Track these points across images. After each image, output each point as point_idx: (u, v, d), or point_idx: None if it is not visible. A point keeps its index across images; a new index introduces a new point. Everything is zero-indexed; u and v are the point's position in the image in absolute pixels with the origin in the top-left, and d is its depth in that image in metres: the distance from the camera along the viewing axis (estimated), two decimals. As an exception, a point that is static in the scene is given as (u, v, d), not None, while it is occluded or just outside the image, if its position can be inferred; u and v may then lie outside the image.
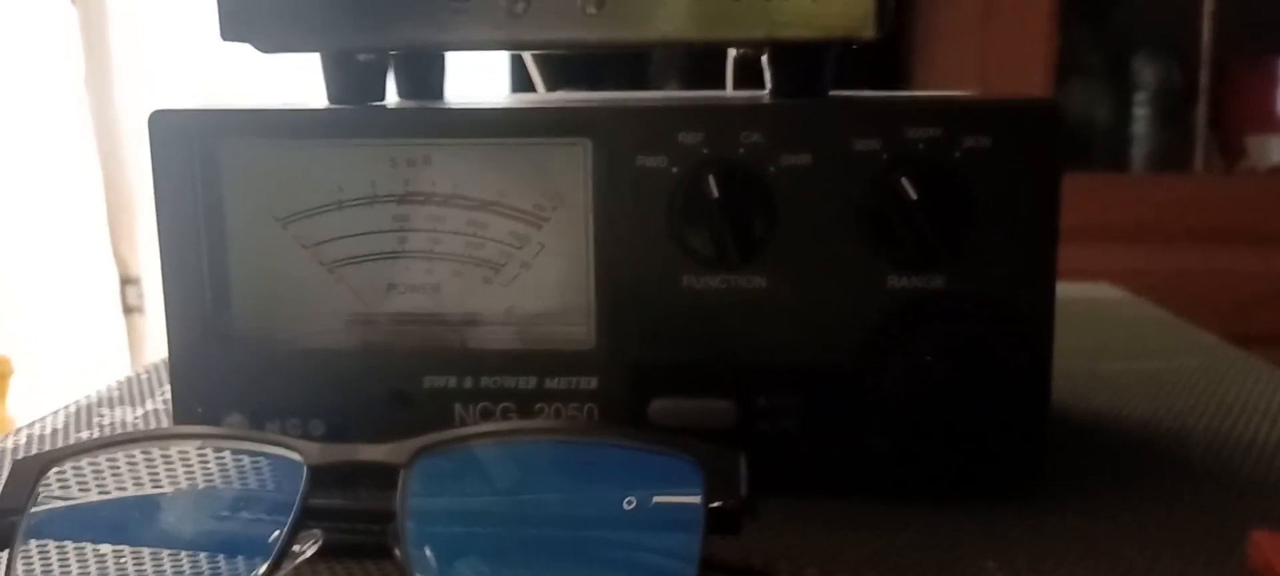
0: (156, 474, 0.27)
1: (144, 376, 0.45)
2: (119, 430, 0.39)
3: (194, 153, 0.33)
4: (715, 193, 0.31)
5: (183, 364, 0.33)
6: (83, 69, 1.51)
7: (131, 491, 0.26)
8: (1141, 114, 1.28)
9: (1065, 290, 0.65)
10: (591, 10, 0.31)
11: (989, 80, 1.21)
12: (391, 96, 0.39)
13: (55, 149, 1.49)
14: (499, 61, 1.12)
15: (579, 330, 0.33)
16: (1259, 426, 0.39)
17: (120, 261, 1.58)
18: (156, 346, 1.53)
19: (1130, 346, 0.51)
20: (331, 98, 0.34)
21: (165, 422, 0.39)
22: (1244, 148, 1.28)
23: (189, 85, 1.40)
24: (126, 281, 1.57)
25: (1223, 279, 1.21)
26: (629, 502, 0.26)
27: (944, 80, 1.22)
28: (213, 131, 0.33)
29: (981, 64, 1.21)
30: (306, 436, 0.33)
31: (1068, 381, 0.45)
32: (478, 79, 1.14)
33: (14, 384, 1.38)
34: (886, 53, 1.25)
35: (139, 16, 1.52)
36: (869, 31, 0.30)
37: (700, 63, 0.37)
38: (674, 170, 0.31)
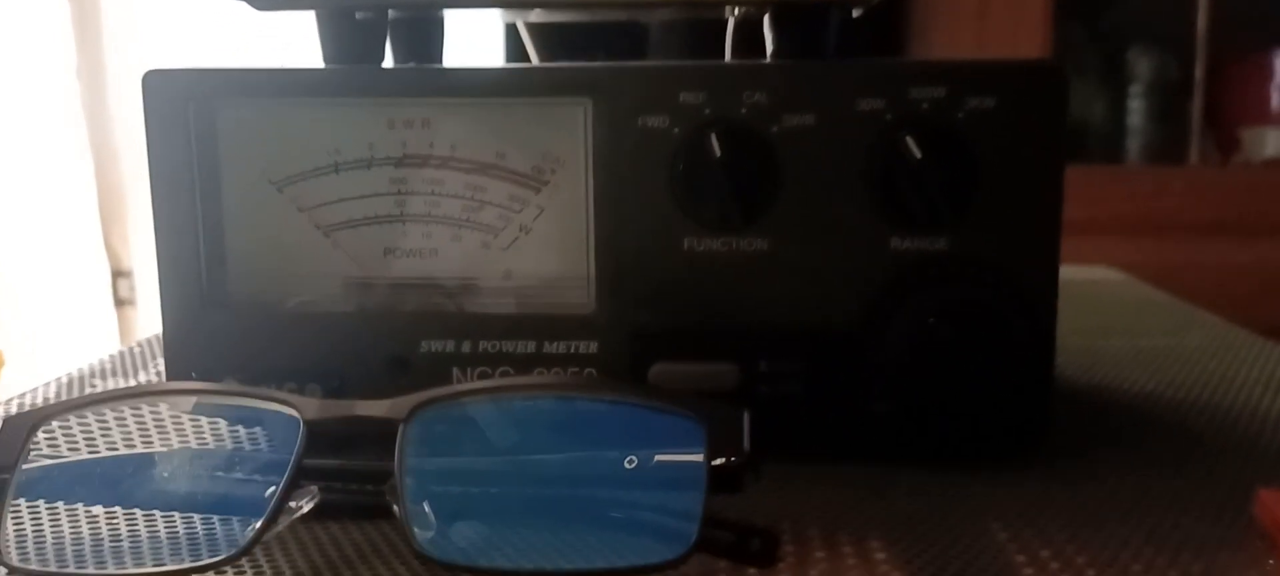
0: (149, 431, 0.26)
1: (136, 350, 0.44)
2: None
3: (189, 113, 0.32)
4: (717, 153, 0.30)
5: (177, 328, 0.33)
6: (75, 61, 1.50)
7: (124, 449, 0.26)
8: (1137, 106, 1.28)
9: (1066, 272, 0.65)
10: (592, -31, 0.31)
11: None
12: (389, 64, 0.39)
13: (47, 141, 1.48)
14: (494, 36, 1.12)
15: (578, 294, 0.33)
16: (1262, 397, 0.39)
17: (112, 254, 1.57)
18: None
19: (1133, 325, 0.51)
20: (328, 58, 0.34)
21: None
22: (1239, 140, 1.28)
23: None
24: (118, 274, 1.56)
25: (1217, 271, 1.21)
26: (631, 460, 0.26)
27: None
28: (208, 91, 0.32)
29: (977, 57, 1.21)
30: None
31: (1071, 357, 0.44)
32: (472, 53, 1.14)
33: (5, 376, 1.37)
34: (881, 43, 1.25)
35: (131, 8, 1.52)
36: (872, -10, 0.30)
37: (699, 39, 0.37)
38: (676, 131, 0.31)
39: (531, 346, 0.33)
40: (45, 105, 1.48)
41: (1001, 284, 0.31)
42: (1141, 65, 1.28)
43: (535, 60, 0.54)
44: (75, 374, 0.41)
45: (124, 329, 1.56)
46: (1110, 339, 0.48)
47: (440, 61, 0.40)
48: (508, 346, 0.33)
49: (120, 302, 1.57)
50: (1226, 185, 1.22)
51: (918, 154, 0.30)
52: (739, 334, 0.32)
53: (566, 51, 0.66)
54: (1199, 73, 1.26)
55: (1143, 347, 0.46)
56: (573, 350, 0.32)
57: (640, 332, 0.32)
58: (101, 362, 0.43)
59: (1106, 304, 0.57)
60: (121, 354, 0.44)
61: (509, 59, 1.14)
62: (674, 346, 0.32)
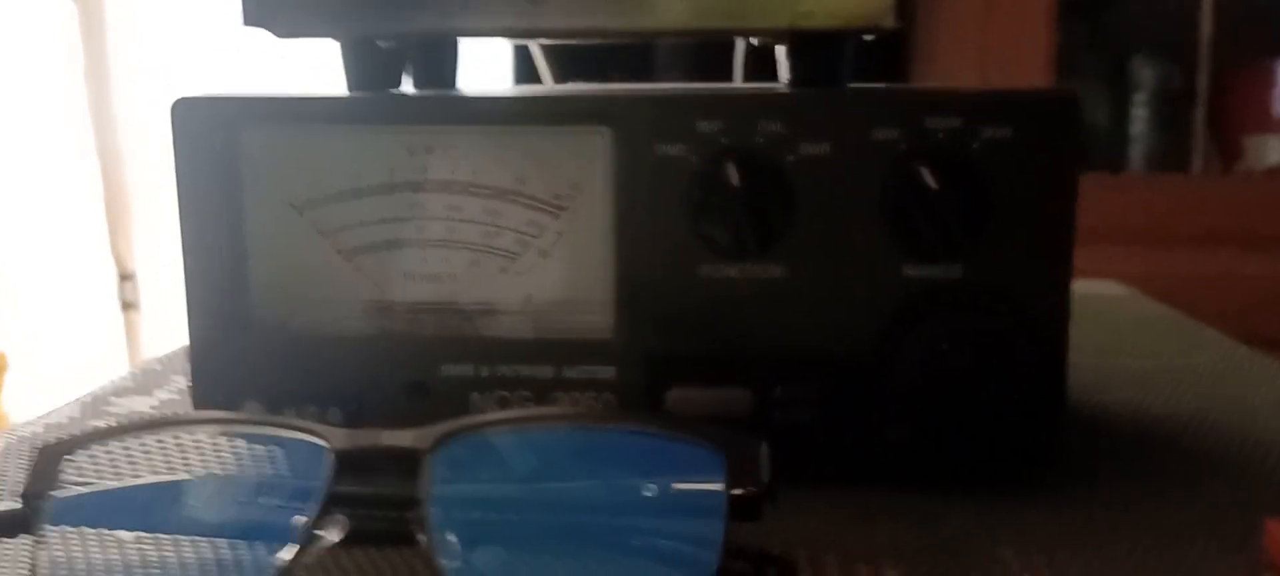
0: (179, 459, 0.27)
1: (156, 368, 0.45)
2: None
3: (216, 140, 0.33)
4: (734, 182, 0.31)
5: (203, 351, 0.33)
6: (82, 64, 1.50)
7: (154, 476, 0.26)
8: (1140, 115, 1.29)
9: (1073, 287, 0.65)
10: (614, 7, 0.31)
11: (988, 81, 1.21)
12: (407, 87, 0.39)
13: (53, 144, 1.48)
14: (503, 57, 1.12)
15: (596, 319, 0.33)
16: (1273, 421, 0.39)
17: (118, 257, 1.58)
18: (153, 342, 1.52)
19: (1141, 344, 0.52)
20: (351, 85, 0.35)
21: (182, 410, 0.39)
22: (1242, 148, 1.28)
23: (188, 80, 1.40)
24: (124, 277, 1.56)
25: (1220, 281, 1.22)
26: (651, 489, 0.26)
27: (943, 81, 1.23)
28: (234, 119, 0.33)
29: (981, 65, 1.21)
30: (324, 424, 0.33)
31: (1080, 376, 0.45)
32: (481, 74, 1.14)
33: (10, 379, 1.38)
34: (886, 54, 1.25)
35: (137, 13, 1.52)
36: (889, 21, 0.30)
37: (707, 57, 0.37)
38: (693, 159, 0.32)
39: (550, 371, 0.33)
40: (52, 108, 1.49)
41: (1014, 311, 0.31)
42: (1144, 74, 1.29)
43: (547, 79, 0.55)
44: (94, 393, 0.41)
45: (129, 332, 1.56)
46: (1120, 359, 0.48)
47: (454, 83, 0.41)
48: (526, 371, 0.33)
49: (126, 305, 1.58)
50: (1229, 194, 1.23)
51: (933, 184, 0.30)
52: (754, 360, 0.32)
53: (576, 68, 0.67)
54: (1202, 81, 1.26)
55: (1152, 368, 0.46)
56: (591, 375, 0.33)
57: (657, 358, 0.33)
58: (119, 381, 0.43)
59: (1114, 321, 0.57)
60: (138, 372, 0.45)
61: (518, 76, 1.14)
62: (691, 372, 0.33)
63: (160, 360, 0.45)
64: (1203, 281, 1.21)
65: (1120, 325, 0.56)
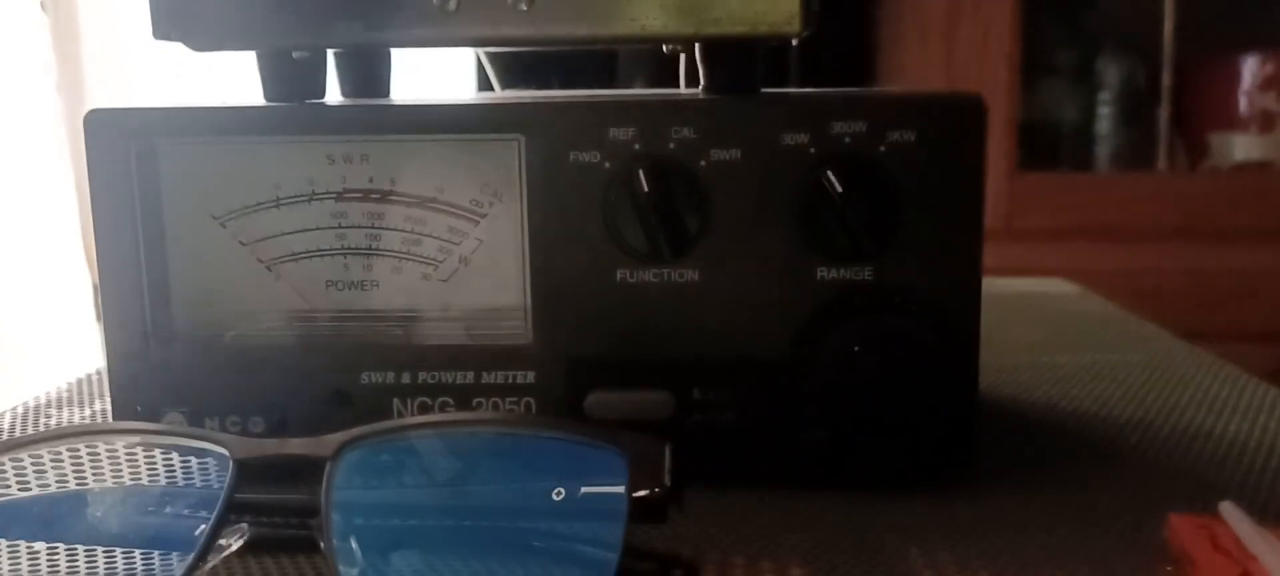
0: (84, 470, 0.27)
1: (93, 377, 0.45)
2: (64, 431, 0.39)
3: (130, 151, 0.33)
4: (646, 188, 0.31)
5: (121, 363, 0.34)
6: (55, 75, 1.50)
7: (59, 488, 0.27)
8: (1106, 113, 1.29)
9: (1019, 286, 0.66)
10: (522, 7, 0.31)
11: (954, 82, 1.22)
12: (334, 92, 0.39)
13: (27, 153, 1.48)
14: (466, 62, 1.13)
15: (515, 325, 0.33)
16: (1195, 416, 0.40)
17: (93, 266, 1.57)
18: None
19: (1079, 340, 0.52)
20: (268, 95, 0.35)
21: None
22: (1207, 145, 1.29)
23: (161, 88, 1.40)
24: (98, 287, 1.56)
25: (1187, 277, 1.23)
26: (557, 493, 0.27)
27: (910, 83, 1.23)
28: (149, 130, 0.33)
29: (947, 65, 1.22)
30: (246, 433, 0.33)
31: (1012, 375, 0.45)
32: (442, 77, 1.15)
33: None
34: (853, 55, 1.26)
35: (111, 23, 1.52)
36: (795, 27, 0.31)
37: (669, 60, 0.38)
38: (606, 165, 0.32)
39: (471, 377, 0.33)
40: (25, 118, 1.48)
41: (925, 312, 0.32)
42: (1110, 72, 1.29)
43: (495, 83, 0.55)
44: (31, 403, 0.42)
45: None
46: (1055, 355, 0.49)
47: (387, 90, 0.41)
48: (447, 377, 0.33)
49: (101, 315, 1.57)
50: (1195, 190, 1.24)
51: (840, 188, 0.31)
52: (672, 363, 0.33)
53: (530, 76, 0.67)
54: (1166, 79, 1.27)
55: (1085, 364, 0.47)
56: (511, 380, 0.33)
57: (576, 362, 0.33)
58: (57, 392, 0.43)
59: (1055, 318, 0.58)
60: (78, 382, 0.45)
61: (480, 81, 1.14)
62: (609, 376, 0.33)
63: (99, 371, 0.45)
64: (1169, 278, 1.22)
65: (1060, 322, 0.57)
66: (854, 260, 0.32)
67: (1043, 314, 0.58)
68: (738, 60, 0.33)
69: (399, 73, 0.41)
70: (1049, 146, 1.29)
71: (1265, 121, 1.26)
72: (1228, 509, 0.29)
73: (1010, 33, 1.20)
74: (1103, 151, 1.30)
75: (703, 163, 0.32)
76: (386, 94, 0.41)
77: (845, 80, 1.30)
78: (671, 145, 0.32)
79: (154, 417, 0.33)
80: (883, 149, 0.31)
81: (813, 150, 0.31)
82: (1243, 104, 1.27)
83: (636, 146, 0.32)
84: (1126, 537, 0.29)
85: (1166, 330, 0.54)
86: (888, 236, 0.31)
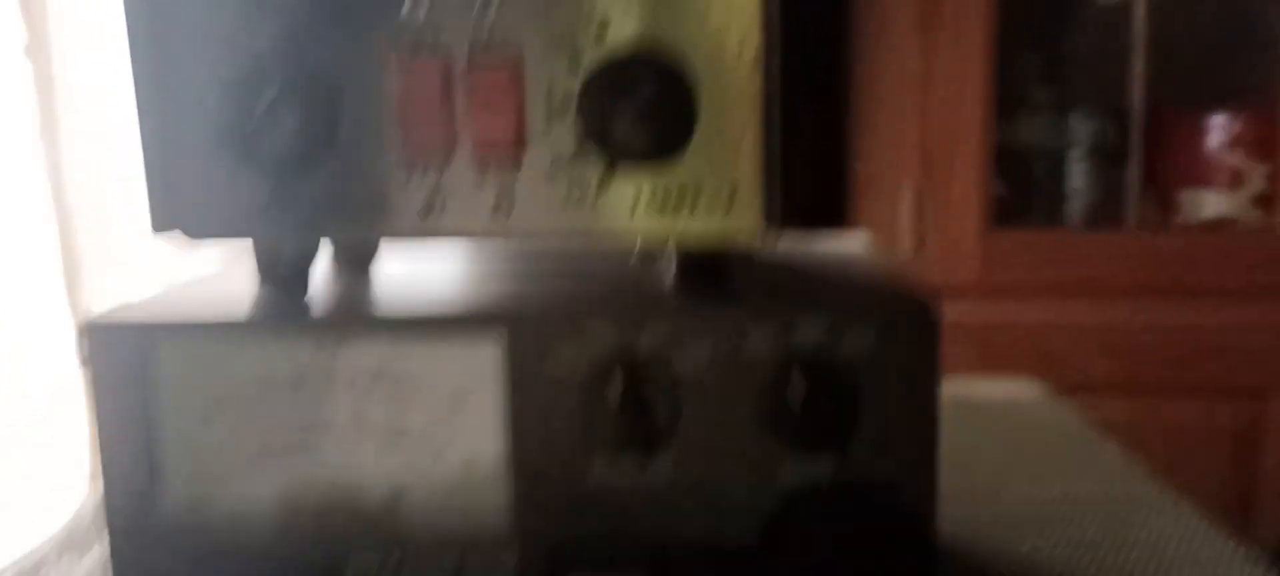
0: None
1: (85, 521, 0.46)
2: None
3: (129, 358, 0.35)
4: (621, 387, 0.33)
5: (121, 547, 0.35)
6: (37, 120, 1.51)
7: None
8: (1077, 171, 1.32)
9: (983, 389, 0.67)
10: (501, 216, 0.33)
11: (929, 133, 1.24)
12: (325, 261, 0.41)
13: (8, 197, 1.48)
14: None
15: (496, 513, 0.35)
16: (1139, 560, 0.42)
17: (77, 310, 1.58)
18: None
19: (1034, 467, 0.53)
20: (262, 276, 0.37)
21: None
22: (1177, 202, 1.32)
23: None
24: (82, 332, 1.56)
25: (1157, 333, 1.25)
26: None
27: (886, 116, 1.25)
28: (147, 336, 0.35)
29: (923, 97, 1.23)
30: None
31: (971, 510, 0.47)
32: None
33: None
34: (827, 91, 1.27)
35: (93, 69, 1.53)
36: (757, 243, 0.33)
37: None
38: (583, 363, 0.34)
39: (453, 561, 0.35)
40: (6, 162, 1.49)
41: (884, 505, 0.34)
42: (1081, 129, 1.32)
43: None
44: (25, 563, 0.43)
45: (91, 386, 1.56)
46: (1012, 484, 0.50)
47: (371, 262, 0.43)
48: (430, 564, 0.35)
49: (86, 362, 1.58)
50: (1165, 247, 1.26)
51: (802, 391, 0.33)
52: (648, 550, 0.34)
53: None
54: (1135, 136, 1.30)
55: (1036, 499, 0.49)
56: (492, 565, 0.35)
57: (555, 549, 0.35)
58: (55, 541, 0.45)
59: (1014, 434, 0.59)
60: (70, 530, 0.46)
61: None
62: (588, 561, 0.35)
63: (92, 515, 0.47)
64: (1141, 335, 1.25)
65: (1019, 439, 0.58)
66: (817, 456, 0.34)
67: (1002, 429, 0.60)
68: (707, 268, 0.35)
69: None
70: (1023, 204, 1.32)
71: (1234, 178, 1.29)
72: None
73: (981, 67, 1.22)
74: (1074, 208, 1.32)
75: (675, 364, 0.33)
76: (375, 256, 0.43)
77: (818, 120, 1.31)
78: (646, 344, 0.33)
79: (151, 602, 0.35)
80: (843, 349, 0.33)
81: (777, 354, 0.33)
82: (1212, 160, 1.30)
83: (612, 346, 0.33)
84: None
85: (1119, 448, 0.56)
86: (848, 434, 0.33)
